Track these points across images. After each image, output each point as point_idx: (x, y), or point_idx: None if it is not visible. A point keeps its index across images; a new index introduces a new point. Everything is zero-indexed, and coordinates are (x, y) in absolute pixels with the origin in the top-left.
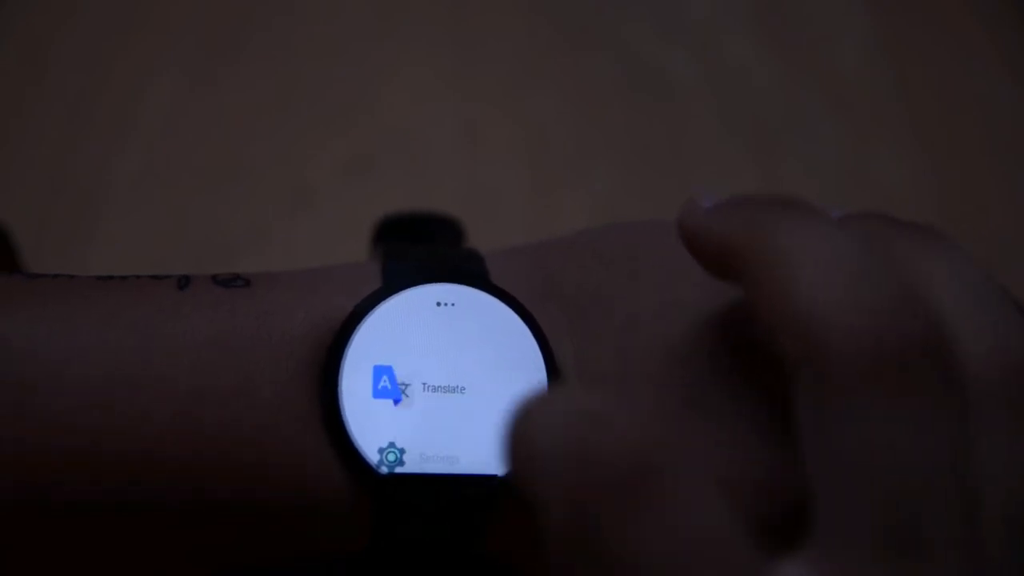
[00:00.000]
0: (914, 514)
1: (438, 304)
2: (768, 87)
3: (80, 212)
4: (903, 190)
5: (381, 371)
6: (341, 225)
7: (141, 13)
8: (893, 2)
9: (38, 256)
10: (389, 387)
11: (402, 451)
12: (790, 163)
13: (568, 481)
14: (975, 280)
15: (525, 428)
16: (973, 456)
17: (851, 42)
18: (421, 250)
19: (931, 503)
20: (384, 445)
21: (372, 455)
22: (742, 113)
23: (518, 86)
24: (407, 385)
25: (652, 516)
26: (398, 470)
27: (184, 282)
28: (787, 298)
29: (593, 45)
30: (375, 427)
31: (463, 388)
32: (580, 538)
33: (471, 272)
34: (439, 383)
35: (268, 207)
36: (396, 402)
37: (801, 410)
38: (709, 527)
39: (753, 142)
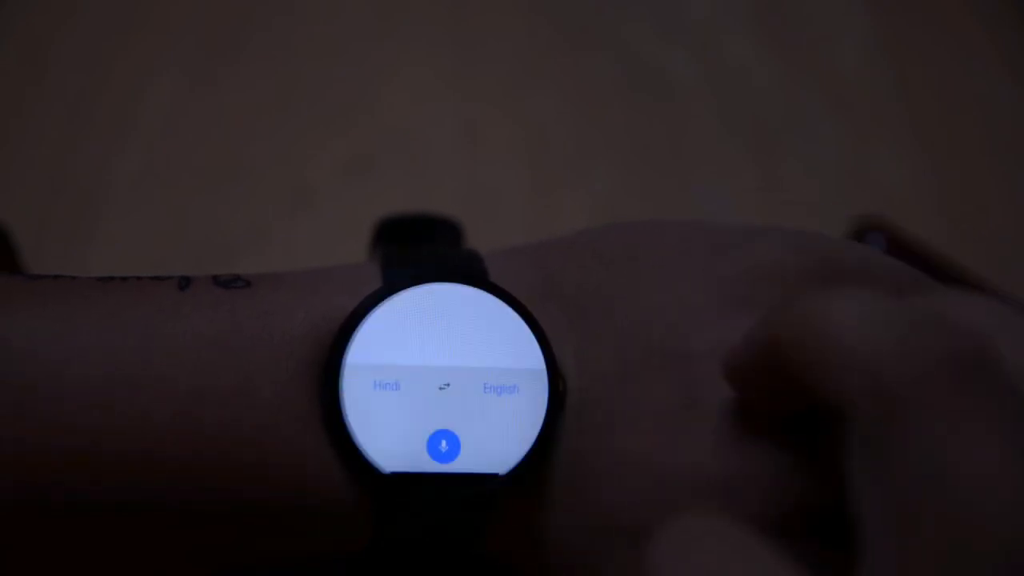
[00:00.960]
0: (984, 554)
1: (438, 304)
2: (768, 87)
3: (80, 212)
4: (903, 190)
5: (381, 371)
6: (341, 225)
7: (141, 13)
8: (893, 2)
9: (38, 256)
10: (390, 386)
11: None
12: (790, 163)
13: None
14: (1013, 314)
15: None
16: None
17: (851, 42)
18: (421, 251)
19: (1004, 542)
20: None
21: (372, 455)
22: (742, 113)
23: (518, 86)
24: (407, 385)
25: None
26: (398, 470)
27: (184, 283)
28: (827, 344)
29: (593, 45)
30: (375, 427)
31: (463, 388)
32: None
33: (471, 272)
34: (439, 383)
35: (268, 207)
36: (396, 401)
37: (857, 452)
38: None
39: (753, 142)
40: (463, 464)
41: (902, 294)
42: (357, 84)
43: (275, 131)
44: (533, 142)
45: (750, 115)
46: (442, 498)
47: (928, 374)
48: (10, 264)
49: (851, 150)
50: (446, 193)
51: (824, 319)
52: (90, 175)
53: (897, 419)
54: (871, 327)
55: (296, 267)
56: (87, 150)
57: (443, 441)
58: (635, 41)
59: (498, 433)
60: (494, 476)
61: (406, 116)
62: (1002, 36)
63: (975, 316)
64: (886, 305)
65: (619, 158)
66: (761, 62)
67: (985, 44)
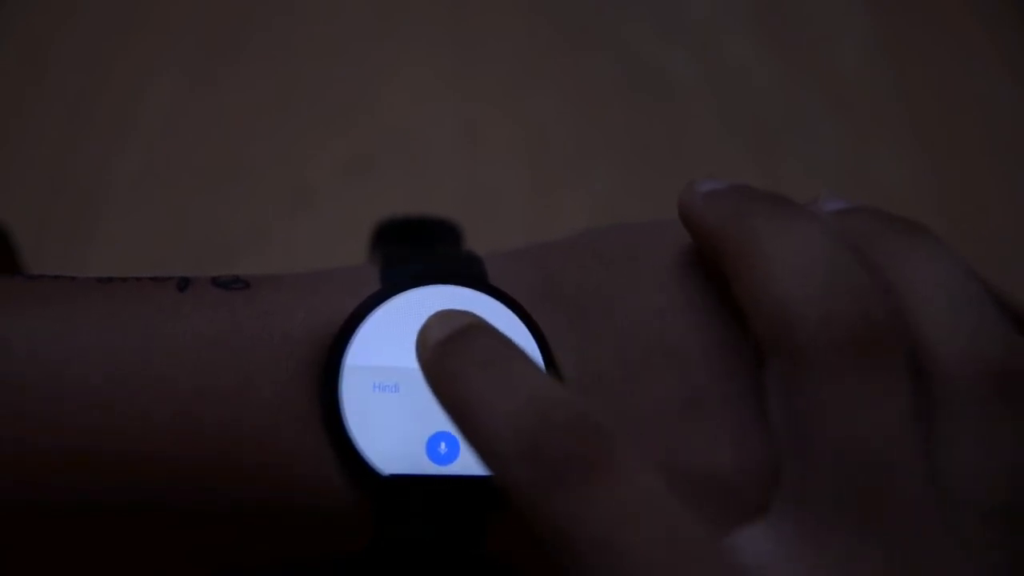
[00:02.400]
0: (871, 479)
1: (437, 305)
2: (768, 87)
3: (80, 212)
4: (903, 190)
5: (381, 373)
6: (341, 225)
7: (141, 13)
8: (893, 2)
9: (38, 256)
10: (389, 388)
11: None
12: (790, 163)
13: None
14: (956, 282)
15: (486, 408)
16: (937, 445)
17: (851, 42)
18: (420, 253)
19: (889, 474)
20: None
21: (371, 457)
22: (742, 113)
23: (518, 86)
24: (406, 387)
25: (597, 490)
26: (397, 472)
27: (184, 284)
28: (759, 285)
29: (593, 45)
30: (375, 429)
31: None
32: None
33: (470, 274)
34: None
35: (268, 207)
36: (396, 403)
37: (770, 389)
38: (652, 500)
39: (753, 142)
40: (462, 466)
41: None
42: (357, 84)
43: (275, 131)
44: (533, 142)
45: (750, 115)
46: (441, 500)
47: (836, 340)
48: (10, 264)
49: (851, 150)
50: (446, 193)
51: (763, 255)
52: (90, 175)
53: (803, 371)
54: (802, 279)
55: (296, 267)
56: (87, 150)
57: (442, 443)
58: (635, 41)
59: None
60: (494, 477)
61: (406, 116)
62: (1002, 36)
63: (911, 280)
64: (826, 251)
65: (619, 158)
66: (761, 62)
67: (985, 44)
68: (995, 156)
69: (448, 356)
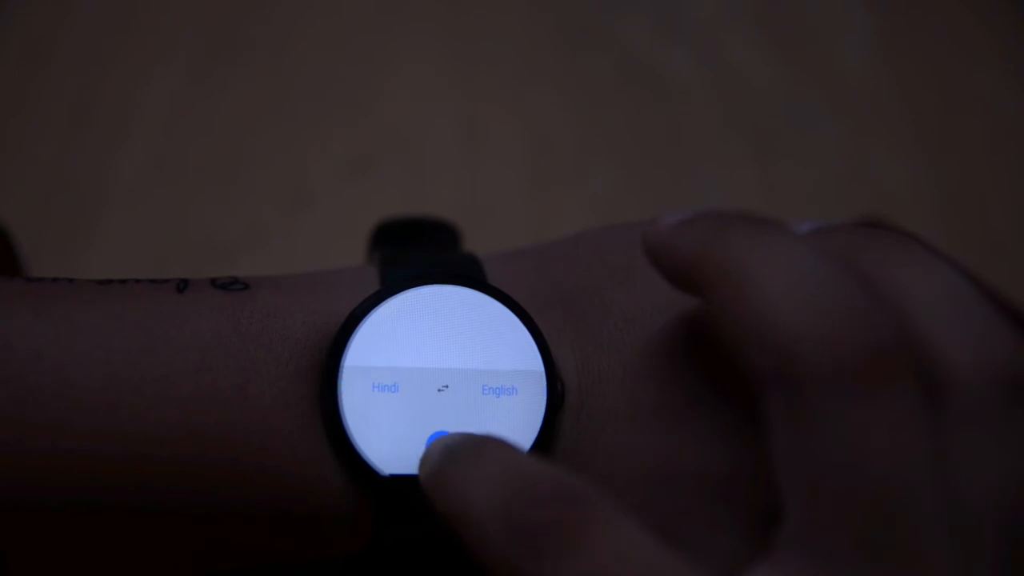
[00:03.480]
0: (889, 516)
1: (436, 306)
2: (768, 87)
3: (80, 212)
4: (903, 190)
5: (380, 373)
6: (340, 225)
7: (141, 13)
8: (893, 2)
9: (38, 256)
10: (389, 388)
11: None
12: (790, 163)
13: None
14: (953, 289)
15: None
16: (956, 463)
17: (851, 42)
18: (419, 254)
19: (908, 505)
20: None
21: (371, 457)
22: (742, 113)
23: (518, 85)
24: (406, 387)
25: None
26: (397, 472)
27: (183, 285)
28: (750, 312)
29: (593, 44)
30: (374, 429)
31: (462, 390)
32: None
33: (469, 274)
34: (437, 385)
35: (268, 207)
36: (395, 404)
37: (771, 421)
38: (639, 558)
39: (753, 142)
40: None
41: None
42: (357, 84)
43: (275, 131)
44: (533, 141)
45: (750, 115)
46: None
47: (843, 367)
48: (10, 263)
49: (851, 150)
50: (446, 192)
51: (751, 276)
52: (90, 175)
53: (811, 401)
54: (799, 302)
55: (296, 266)
56: (87, 150)
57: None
58: (635, 40)
59: (497, 435)
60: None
61: (406, 115)
62: (1002, 36)
63: (913, 291)
64: (818, 268)
65: (619, 157)
66: (762, 62)
67: (985, 44)
68: (995, 156)
69: (430, 472)
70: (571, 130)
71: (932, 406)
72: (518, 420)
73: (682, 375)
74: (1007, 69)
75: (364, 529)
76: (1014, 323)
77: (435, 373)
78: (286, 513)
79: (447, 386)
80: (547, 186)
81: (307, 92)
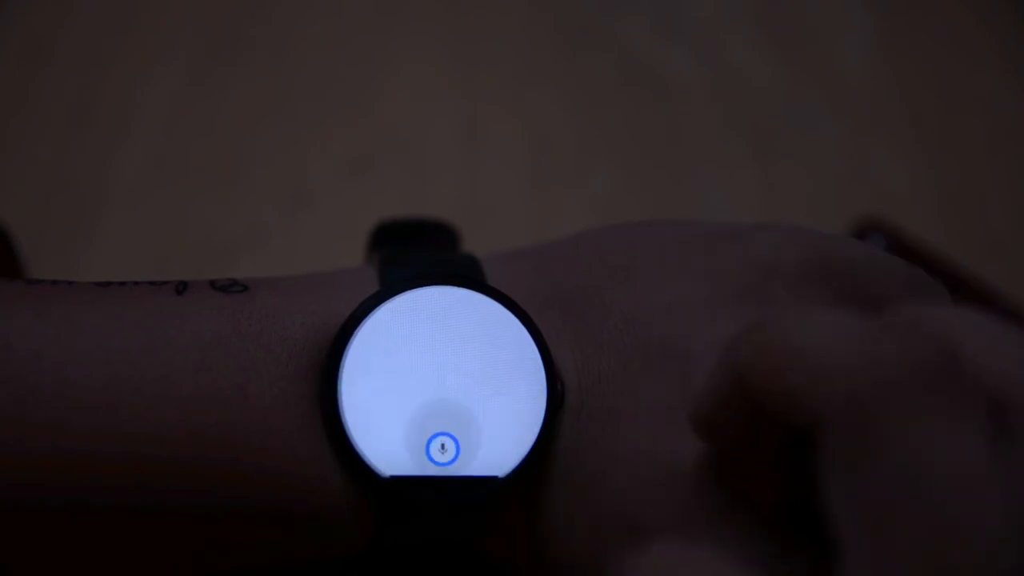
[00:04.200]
0: (962, 541)
1: (436, 307)
2: (768, 87)
3: (80, 212)
4: (903, 190)
5: (380, 373)
6: (340, 225)
7: (141, 13)
8: (893, 2)
9: (38, 256)
10: (388, 389)
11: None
12: (790, 163)
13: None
14: (979, 319)
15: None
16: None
17: (851, 42)
18: (418, 255)
19: (980, 532)
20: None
21: (371, 458)
22: (742, 113)
23: (518, 85)
24: (406, 387)
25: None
26: (398, 473)
27: (182, 287)
28: (794, 369)
29: (593, 44)
30: (375, 430)
31: (462, 390)
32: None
33: (468, 275)
34: (438, 385)
35: (268, 207)
36: (395, 404)
37: (826, 474)
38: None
39: (753, 142)
40: (462, 467)
41: (888, 299)
42: (356, 84)
43: (275, 131)
44: (533, 141)
45: (750, 115)
46: (441, 501)
47: (896, 382)
48: (10, 263)
49: (851, 150)
50: (446, 191)
51: (786, 341)
52: (90, 175)
53: (870, 430)
54: (835, 342)
55: (295, 267)
56: (87, 150)
57: (442, 444)
58: (635, 40)
59: (497, 435)
60: (494, 478)
61: (406, 115)
62: (1002, 36)
63: (949, 323)
64: (849, 318)
65: (619, 157)
66: (762, 62)
67: (985, 44)
68: (995, 156)
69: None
70: (571, 130)
71: (994, 428)
72: (518, 420)
73: (682, 374)
74: (1007, 69)
75: (364, 529)
76: None
77: (435, 373)
78: (286, 513)
79: (447, 386)
80: (547, 186)
81: (307, 92)
